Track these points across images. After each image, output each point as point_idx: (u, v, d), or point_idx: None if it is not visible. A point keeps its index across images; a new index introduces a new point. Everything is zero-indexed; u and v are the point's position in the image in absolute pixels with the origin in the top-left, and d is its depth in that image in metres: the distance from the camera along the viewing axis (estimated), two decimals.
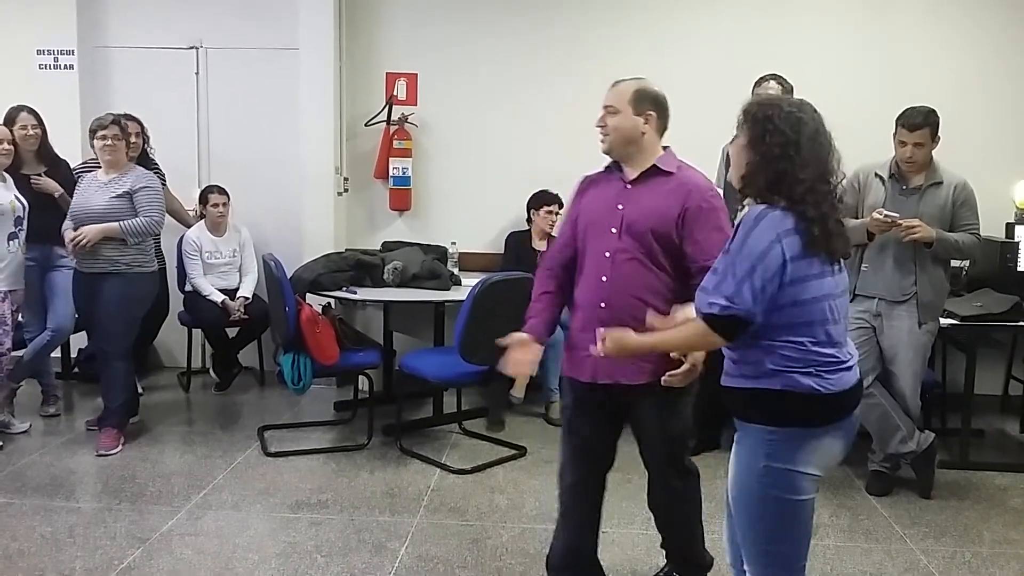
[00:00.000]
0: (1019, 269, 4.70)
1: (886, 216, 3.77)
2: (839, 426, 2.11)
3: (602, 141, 2.74)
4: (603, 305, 2.68)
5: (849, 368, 2.12)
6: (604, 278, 2.68)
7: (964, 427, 4.39)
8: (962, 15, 5.40)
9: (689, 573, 3.05)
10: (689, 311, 2.21)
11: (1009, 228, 4.96)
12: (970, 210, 3.92)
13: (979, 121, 5.31)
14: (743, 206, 2.17)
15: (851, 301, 3.97)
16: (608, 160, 2.82)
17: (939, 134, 3.86)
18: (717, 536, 3.59)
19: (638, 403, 2.75)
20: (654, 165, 2.70)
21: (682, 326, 2.17)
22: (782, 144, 2.05)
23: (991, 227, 4.91)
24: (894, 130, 3.90)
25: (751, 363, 2.09)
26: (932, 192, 3.90)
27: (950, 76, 5.36)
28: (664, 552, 3.12)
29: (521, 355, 2.76)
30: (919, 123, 3.82)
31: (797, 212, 2.03)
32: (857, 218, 3.90)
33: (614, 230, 2.68)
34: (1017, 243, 4.75)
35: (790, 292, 2.03)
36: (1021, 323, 4.24)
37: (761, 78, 4.35)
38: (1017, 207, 5.11)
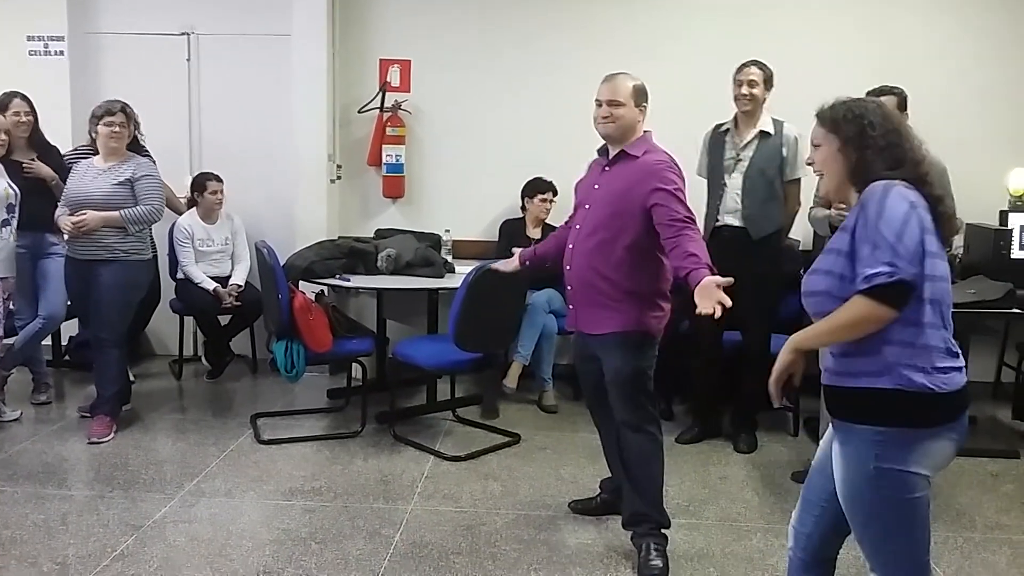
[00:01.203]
0: (1012, 256, 4.71)
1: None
2: (951, 427, 2.02)
3: (603, 127, 3.15)
4: (568, 268, 3.22)
5: (959, 368, 2.03)
6: (571, 245, 3.21)
7: None
8: (956, 3, 5.39)
9: (651, 537, 3.20)
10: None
11: (1003, 215, 4.96)
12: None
13: (972, 109, 5.32)
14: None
15: None
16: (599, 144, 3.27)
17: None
18: (694, 521, 3.62)
19: (597, 348, 3.22)
20: (622, 150, 3.14)
21: (842, 310, 1.97)
22: (884, 134, 2.03)
23: (985, 215, 4.93)
24: None
25: (865, 356, 2.00)
26: None
27: (943, 65, 5.35)
28: (622, 510, 3.35)
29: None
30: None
31: (923, 190, 2.00)
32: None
33: (588, 207, 3.19)
34: (1010, 230, 4.76)
35: (927, 264, 1.96)
36: (1014, 310, 4.25)
37: (743, 64, 4.38)
38: (1011, 195, 5.11)
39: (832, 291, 2.03)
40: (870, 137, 2.03)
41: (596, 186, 3.20)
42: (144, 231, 4.45)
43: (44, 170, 4.64)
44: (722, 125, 4.51)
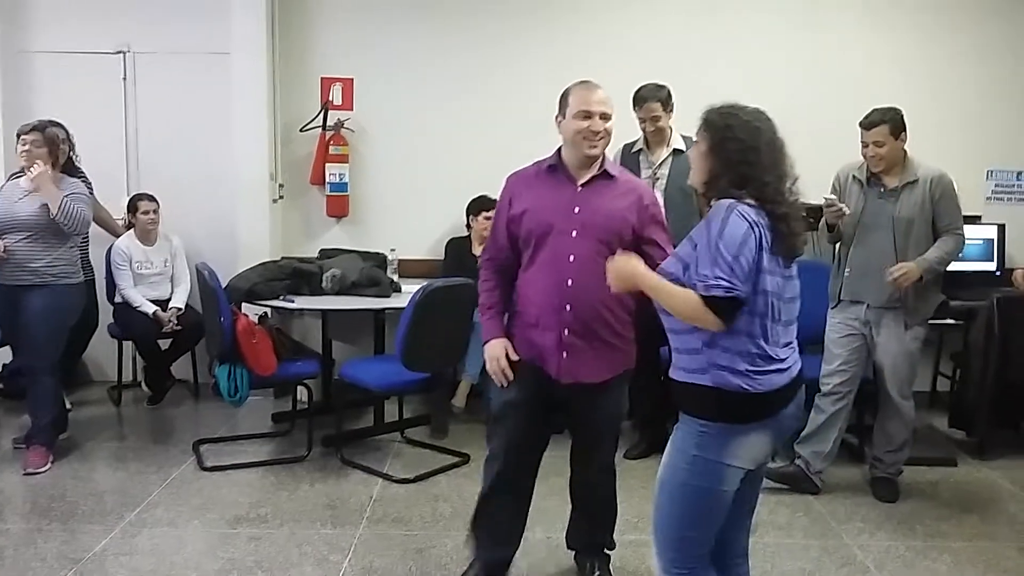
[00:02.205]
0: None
1: (827, 200, 3.88)
2: (766, 423, 2.19)
3: (596, 147, 2.79)
4: (568, 308, 2.77)
5: (782, 370, 2.20)
6: (569, 282, 2.75)
7: None
8: (934, 12, 5.53)
9: (598, 556, 3.18)
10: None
11: None
12: (948, 203, 3.90)
13: (949, 117, 5.46)
14: (709, 207, 2.23)
15: (835, 307, 4.06)
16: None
17: (904, 131, 3.88)
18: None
19: (588, 395, 2.87)
20: (605, 170, 2.84)
21: (685, 292, 2.13)
22: (742, 150, 2.16)
23: None
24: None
25: (693, 355, 2.18)
26: (908, 192, 3.89)
27: (922, 72, 5.49)
28: (573, 540, 3.27)
29: (501, 351, 2.88)
30: (875, 120, 3.86)
31: (765, 209, 2.15)
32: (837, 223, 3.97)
33: (574, 233, 2.76)
34: None
35: (759, 280, 2.13)
36: (947, 320, 4.36)
37: (638, 99, 4.38)
38: None
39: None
40: (726, 151, 2.18)
41: (576, 209, 2.78)
42: (73, 253, 4.35)
43: None
44: (633, 144, 4.56)
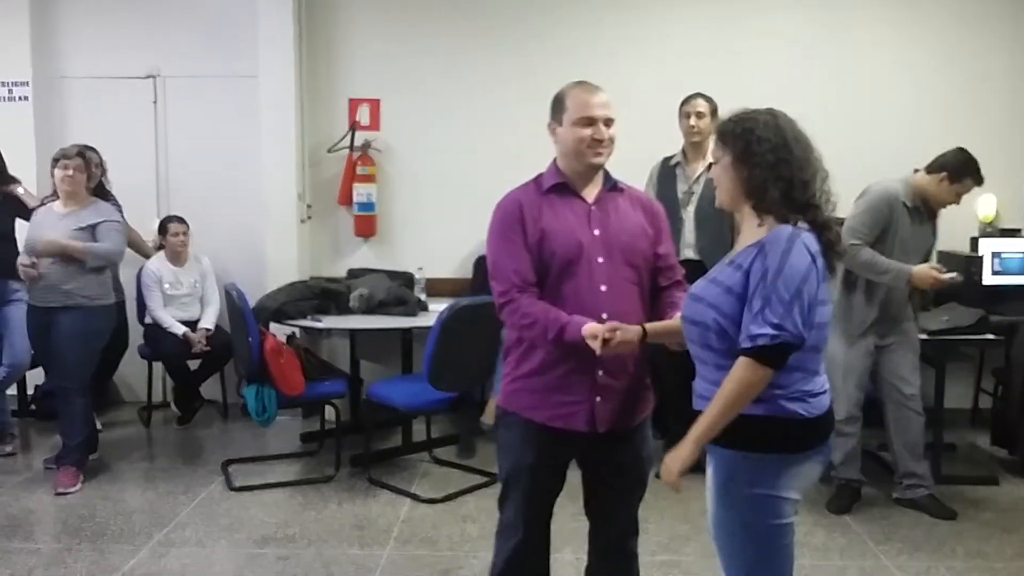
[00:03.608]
0: (984, 282, 4.75)
1: (950, 278, 3.85)
2: (820, 450, 2.08)
3: (600, 154, 2.43)
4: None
5: (825, 392, 2.10)
6: (605, 315, 2.33)
7: (935, 441, 4.39)
8: (924, 31, 5.46)
9: None
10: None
11: (973, 242, 5.01)
12: None
13: (941, 136, 5.32)
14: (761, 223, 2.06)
15: (860, 335, 4.01)
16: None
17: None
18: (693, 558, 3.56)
19: (621, 443, 2.51)
20: (615, 183, 2.52)
21: (726, 385, 1.95)
22: (772, 150, 2.01)
23: (956, 242, 4.97)
24: (948, 178, 3.88)
25: None
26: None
27: (912, 91, 5.42)
28: None
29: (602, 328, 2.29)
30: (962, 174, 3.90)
31: (817, 230, 2.02)
32: (884, 246, 3.87)
33: (600, 259, 2.40)
34: (981, 257, 4.80)
35: (815, 313, 1.99)
36: (988, 336, 4.27)
37: (689, 96, 4.46)
38: (980, 221, 5.16)
39: (713, 326, 2.03)
40: (757, 154, 2.02)
41: (596, 231, 2.42)
42: (105, 275, 4.38)
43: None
44: (671, 158, 4.55)
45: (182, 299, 5.42)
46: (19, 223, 4.69)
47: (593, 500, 2.64)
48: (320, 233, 5.77)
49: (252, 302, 4.54)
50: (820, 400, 2.06)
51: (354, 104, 5.63)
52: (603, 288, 2.39)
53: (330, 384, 4.60)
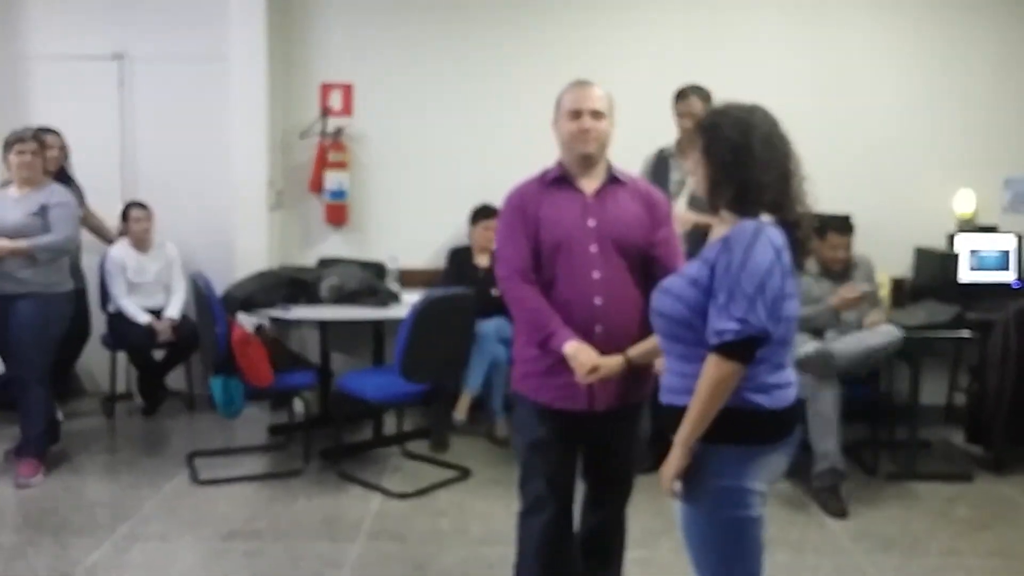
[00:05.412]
0: (960, 280, 4.75)
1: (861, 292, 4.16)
2: (786, 442, 2.08)
3: (584, 144, 2.61)
4: (599, 330, 2.56)
5: (791, 384, 2.09)
6: (598, 300, 2.55)
7: (910, 438, 4.40)
8: (906, 27, 5.43)
9: None
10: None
11: (950, 239, 5.02)
12: None
13: (919, 132, 5.36)
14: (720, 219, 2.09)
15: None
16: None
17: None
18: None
19: (618, 421, 2.71)
20: (613, 175, 2.67)
21: (700, 384, 1.96)
22: (732, 149, 2.01)
23: (932, 238, 4.97)
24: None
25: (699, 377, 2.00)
26: None
27: (891, 88, 5.39)
28: None
29: (587, 356, 2.50)
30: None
31: (784, 225, 2.02)
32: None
33: (593, 249, 2.57)
34: (957, 254, 4.81)
35: (782, 307, 1.99)
36: (963, 333, 4.28)
37: (682, 93, 4.40)
38: (958, 217, 5.17)
39: (679, 319, 2.04)
40: (717, 152, 2.04)
41: (591, 222, 2.59)
42: (62, 261, 4.27)
43: None
44: (665, 149, 4.51)
45: (146, 287, 5.29)
46: None
47: (592, 467, 2.82)
48: (290, 221, 5.66)
49: (219, 291, 4.45)
50: (786, 392, 2.05)
51: (326, 89, 5.52)
52: (596, 275, 2.57)
53: (299, 376, 4.52)
